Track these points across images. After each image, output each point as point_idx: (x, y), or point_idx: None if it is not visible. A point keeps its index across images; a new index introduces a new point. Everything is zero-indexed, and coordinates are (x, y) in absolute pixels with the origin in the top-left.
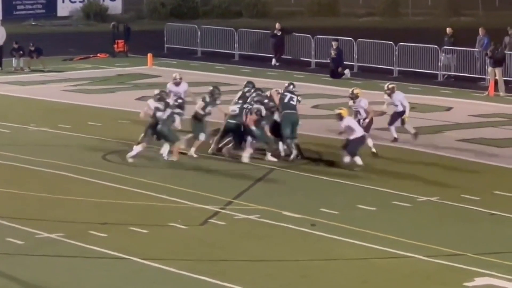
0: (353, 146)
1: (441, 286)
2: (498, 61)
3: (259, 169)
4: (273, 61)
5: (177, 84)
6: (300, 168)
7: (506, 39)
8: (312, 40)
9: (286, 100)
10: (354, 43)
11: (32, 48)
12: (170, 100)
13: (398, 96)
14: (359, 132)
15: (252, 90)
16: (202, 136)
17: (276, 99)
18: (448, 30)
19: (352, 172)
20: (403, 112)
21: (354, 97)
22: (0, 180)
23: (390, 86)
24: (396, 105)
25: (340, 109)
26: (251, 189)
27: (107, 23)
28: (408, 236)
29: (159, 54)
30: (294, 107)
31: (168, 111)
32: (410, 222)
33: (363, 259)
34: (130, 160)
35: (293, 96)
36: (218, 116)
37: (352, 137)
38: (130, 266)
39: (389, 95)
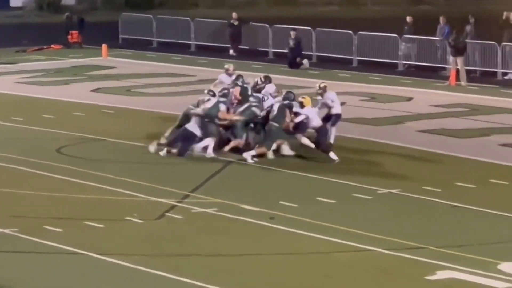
0: (323, 143)
1: (402, 279)
2: (459, 50)
3: (216, 162)
4: (230, 51)
5: (229, 75)
6: (258, 161)
7: (468, 27)
8: (269, 30)
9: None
10: (313, 33)
11: None
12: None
13: (330, 95)
14: (317, 122)
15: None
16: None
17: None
18: (408, 18)
19: (311, 164)
20: (339, 115)
21: (322, 91)
22: None
23: (322, 85)
24: (331, 107)
25: (303, 97)
26: (208, 182)
27: (60, 14)
28: (369, 229)
29: (114, 45)
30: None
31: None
32: (371, 215)
33: (323, 253)
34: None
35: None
36: None
37: (312, 125)
38: (86, 261)
39: (321, 94)
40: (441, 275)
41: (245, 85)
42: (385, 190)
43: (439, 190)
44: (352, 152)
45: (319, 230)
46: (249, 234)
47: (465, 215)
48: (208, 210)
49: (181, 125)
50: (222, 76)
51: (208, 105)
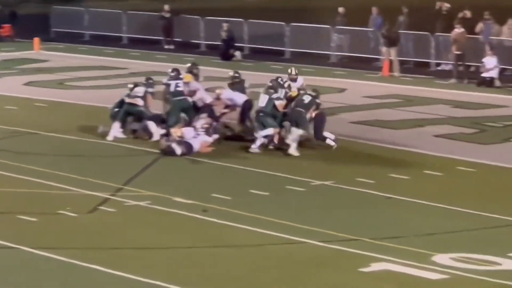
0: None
1: (336, 272)
2: (392, 41)
3: (149, 154)
4: (163, 43)
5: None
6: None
7: (401, 18)
8: (201, 22)
9: (172, 89)
10: (245, 24)
11: None
12: None
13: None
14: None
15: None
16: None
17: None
18: (341, 9)
19: (244, 156)
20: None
21: (295, 78)
22: None
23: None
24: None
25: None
26: (141, 175)
27: None
28: (302, 221)
29: (46, 38)
30: (181, 93)
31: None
32: (304, 207)
33: (256, 245)
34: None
35: (178, 82)
36: None
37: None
38: (19, 255)
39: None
40: (375, 267)
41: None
42: (318, 182)
43: (373, 181)
44: (285, 144)
45: (252, 223)
46: (182, 227)
47: (399, 206)
48: (141, 203)
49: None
50: None
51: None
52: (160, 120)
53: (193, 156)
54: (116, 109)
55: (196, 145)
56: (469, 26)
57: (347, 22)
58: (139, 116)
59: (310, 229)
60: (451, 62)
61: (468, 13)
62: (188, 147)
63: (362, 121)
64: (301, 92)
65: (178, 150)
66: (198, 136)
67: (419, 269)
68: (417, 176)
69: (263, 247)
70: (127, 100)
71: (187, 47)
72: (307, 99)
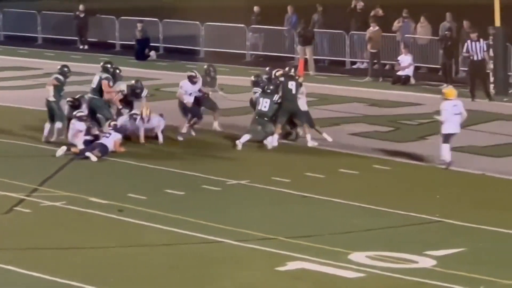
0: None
1: (252, 271)
2: (307, 40)
3: (65, 154)
4: (78, 43)
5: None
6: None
7: (315, 16)
8: (116, 22)
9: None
10: (160, 24)
11: None
12: None
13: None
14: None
15: None
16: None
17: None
18: (256, 8)
19: (159, 156)
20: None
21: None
22: None
23: (278, 73)
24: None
25: None
26: (56, 175)
27: None
28: (218, 221)
29: None
30: (93, 91)
31: None
32: (220, 206)
33: (172, 244)
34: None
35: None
36: None
37: None
38: None
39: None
40: (291, 265)
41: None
42: (234, 181)
43: (288, 180)
44: (200, 143)
45: (168, 222)
46: (98, 227)
47: (315, 205)
48: (57, 204)
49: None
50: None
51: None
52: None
53: (109, 156)
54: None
55: (110, 144)
56: (383, 24)
57: (262, 21)
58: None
59: (226, 228)
60: (366, 61)
61: (380, 11)
62: (102, 149)
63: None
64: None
65: (93, 158)
66: (109, 135)
67: (335, 267)
68: (333, 175)
69: (179, 246)
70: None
71: (102, 47)
72: (291, 85)
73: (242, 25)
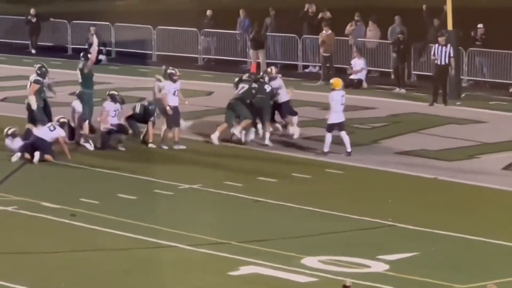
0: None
1: (205, 275)
2: (260, 43)
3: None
4: (30, 48)
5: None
6: (57, 158)
7: (268, 20)
8: (68, 26)
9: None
10: (112, 28)
11: None
12: None
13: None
14: None
15: None
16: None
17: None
18: (208, 12)
19: (111, 160)
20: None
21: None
22: None
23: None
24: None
25: None
26: (8, 179)
27: None
28: (170, 225)
29: None
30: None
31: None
32: (172, 211)
33: (124, 249)
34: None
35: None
36: None
37: None
38: None
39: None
40: (244, 270)
41: None
42: (186, 186)
43: (241, 185)
44: (151, 148)
45: (120, 227)
46: (50, 231)
47: (268, 209)
48: (8, 208)
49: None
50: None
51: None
52: None
53: (61, 160)
54: None
55: (49, 137)
56: (335, 27)
57: (215, 25)
58: None
59: (178, 233)
60: (319, 64)
61: (327, 13)
62: (43, 146)
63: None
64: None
65: (37, 157)
66: (53, 130)
67: (288, 272)
68: (285, 179)
69: (131, 251)
70: None
71: (54, 51)
72: (268, 88)
73: (194, 29)
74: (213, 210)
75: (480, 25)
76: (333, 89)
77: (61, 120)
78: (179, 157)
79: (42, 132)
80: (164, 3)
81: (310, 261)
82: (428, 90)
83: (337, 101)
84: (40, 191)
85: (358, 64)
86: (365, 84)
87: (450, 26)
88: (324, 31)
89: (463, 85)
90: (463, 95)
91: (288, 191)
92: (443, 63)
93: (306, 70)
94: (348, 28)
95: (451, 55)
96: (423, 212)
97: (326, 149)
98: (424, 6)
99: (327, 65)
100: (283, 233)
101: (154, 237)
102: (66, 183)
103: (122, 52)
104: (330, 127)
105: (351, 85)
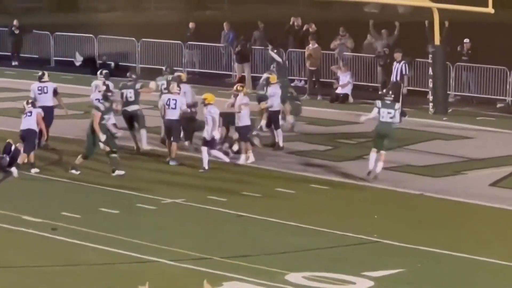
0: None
1: None
2: (245, 57)
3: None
4: (12, 59)
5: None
6: (40, 171)
7: (256, 33)
8: (51, 37)
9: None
10: (95, 40)
11: None
12: None
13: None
14: None
15: None
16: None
17: None
18: (191, 25)
19: (93, 174)
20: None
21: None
22: None
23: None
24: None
25: None
26: None
27: None
28: (153, 240)
29: None
30: None
31: None
32: (155, 226)
33: (106, 264)
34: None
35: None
36: None
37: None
38: None
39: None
40: (227, 286)
41: None
42: (169, 200)
43: (224, 199)
44: (136, 161)
45: (102, 241)
46: (31, 246)
47: (251, 224)
48: None
49: None
50: None
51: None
52: None
53: (43, 173)
54: None
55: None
56: (321, 41)
57: (198, 38)
58: None
59: (161, 248)
60: (304, 78)
61: (313, 25)
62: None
63: None
64: None
65: (15, 173)
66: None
67: None
68: (269, 194)
69: (113, 266)
70: None
71: (38, 63)
72: None
73: (179, 42)
74: (196, 224)
75: (466, 40)
76: (208, 104)
77: (29, 101)
78: (162, 171)
79: (26, 123)
80: (148, 15)
81: (294, 277)
82: (417, 105)
83: (214, 116)
84: (22, 205)
85: (344, 78)
86: (351, 99)
87: (437, 41)
88: (310, 45)
89: (450, 100)
90: (450, 110)
91: (272, 206)
92: (395, 79)
93: (292, 84)
94: (334, 42)
95: (404, 72)
96: (408, 228)
97: (206, 166)
98: (426, 22)
99: (313, 79)
100: (267, 249)
101: (136, 252)
102: (48, 196)
103: (106, 65)
104: (210, 142)
105: (337, 100)
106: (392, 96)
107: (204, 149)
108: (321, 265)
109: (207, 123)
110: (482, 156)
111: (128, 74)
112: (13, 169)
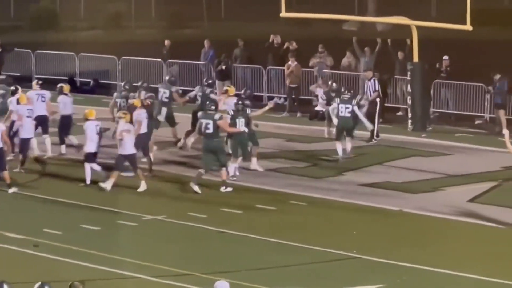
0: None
1: None
2: (227, 74)
3: None
4: None
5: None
6: (21, 187)
7: (237, 51)
8: (32, 55)
9: None
10: (76, 58)
11: None
12: None
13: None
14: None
15: None
16: None
17: None
18: (166, 42)
19: (74, 190)
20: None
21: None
22: None
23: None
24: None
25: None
26: None
27: None
28: (134, 256)
29: None
30: None
31: None
32: (136, 242)
33: (88, 280)
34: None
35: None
36: None
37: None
38: None
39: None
40: None
41: None
42: (150, 217)
43: (205, 216)
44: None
45: (83, 257)
46: (13, 262)
47: (232, 241)
48: None
49: None
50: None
51: None
52: None
53: (23, 190)
54: None
55: None
56: (301, 58)
57: (176, 55)
58: None
59: (142, 264)
60: (284, 96)
61: (294, 43)
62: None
63: (193, 156)
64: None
65: None
66: None
67: None
68: (250, 211)
69: (94, 282)
70: None
71: (19, 81)
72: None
73: (159, 60)
74: (177, 241)
75: (445, 57)
76: (87, 119)
77: None
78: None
79: None
80: (129, 33)
81: None
82: (395, 122)
83: (92, 130)
84: (3, 222)
85: (323, 95)
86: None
87: (416, 58)
88: (290, 62)
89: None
90: (429, 128)
91: (252, 223)
92: (368, 97)
93: (270, 101)
94: (313, 60)
95: (375, 89)
96: (388, 244)
97: (88, 181)
98: (389, 40)
99: (293, 96)
100: (248, 265)
101: (118, 268)
102: (30, 213)
103: (87, 83)
104: (89, 156)
105: (316, 117)
106: (350, 93)
107: (87, 165)
108: (302, 281)
109: (86, 137)
110: (461, 172)
111: (123, 84)
112: None
